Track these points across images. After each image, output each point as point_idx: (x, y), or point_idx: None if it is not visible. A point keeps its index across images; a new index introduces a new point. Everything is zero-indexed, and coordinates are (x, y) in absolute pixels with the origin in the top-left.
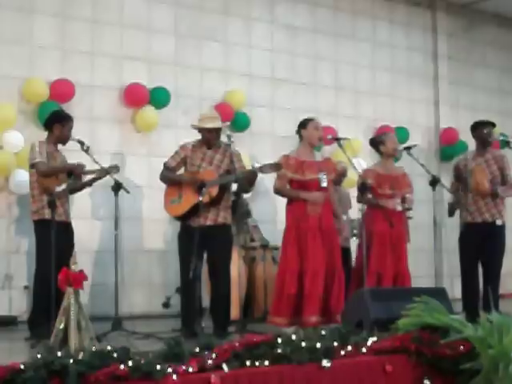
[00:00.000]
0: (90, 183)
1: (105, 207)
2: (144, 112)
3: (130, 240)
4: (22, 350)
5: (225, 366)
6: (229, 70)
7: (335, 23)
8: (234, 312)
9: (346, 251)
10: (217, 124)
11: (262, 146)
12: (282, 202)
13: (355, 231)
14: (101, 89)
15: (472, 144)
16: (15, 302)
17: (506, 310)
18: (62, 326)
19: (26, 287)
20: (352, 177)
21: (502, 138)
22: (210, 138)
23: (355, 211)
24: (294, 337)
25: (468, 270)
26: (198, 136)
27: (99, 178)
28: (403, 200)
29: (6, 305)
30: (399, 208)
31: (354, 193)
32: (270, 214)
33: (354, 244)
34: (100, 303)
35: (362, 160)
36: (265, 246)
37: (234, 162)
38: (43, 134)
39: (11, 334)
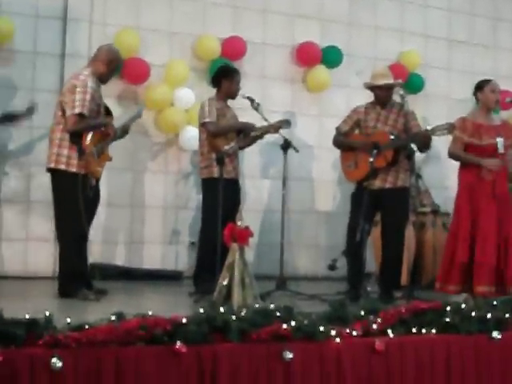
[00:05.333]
0: (258, 137)
1: (274, 166)
2: (316, 71)
3: (297, 200)
4: (186, 305)
5: (390, 332)
6: (404, 30)
7: None
8: (403, 278)
9: None
10: (389, 80)
11: (436, 108)
12: (453, 167)
13: None
14: (272, 47)
15: None
16: (181, 257)
17: None
18: (225, 282)
19: (192, 243)
20: None
21: None
22: (382, 96)
23: None
24: (463, 306)
25: None
26: (371, 97)
27: (269, 132)
28: None
29: (172, 260)
30: None
31: None
32: (440, 179)
33: None
34: (265, 262)
35: None
36: (435, 211)
37: (409, 120)
38: (214, 92)
39: (176, 289)
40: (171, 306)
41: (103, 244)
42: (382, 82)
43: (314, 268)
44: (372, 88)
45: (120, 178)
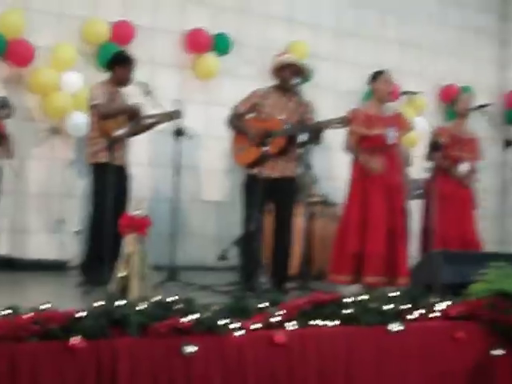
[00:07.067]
0: (151, 127)
1: (163, 154)
2: (205, 58)
3: (186, 190)
4: (75, 296)
5: (291, 324)
6: (293, 20)
7: None
8: (293, 268)
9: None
10: (297, 60)
11: (324, 99)
12: (342, 157)
13: (419, 191)
14: (162, 32)
15: None
16: (67, 246)
17: None
18: (123, 274)
19: (78, 232)
20: (413, 135)
21: None
22: (287, 79)
23: (417, 170)
24: (362, 297)
25: None
26: (260, 86)
27: (161, 122)
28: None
29: (57, 249)
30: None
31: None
32: (329, 169)
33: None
34: (154, 252)
35: (425, 119)
36: (324, 202)
37: (306, 112)
38: (102, 76)
39: (62, 279)
40: (59, 298)
41: None
42: (292, 59)
43: (204, 258)
44: (278, 70)
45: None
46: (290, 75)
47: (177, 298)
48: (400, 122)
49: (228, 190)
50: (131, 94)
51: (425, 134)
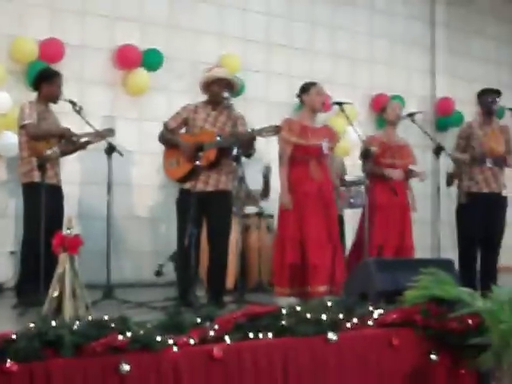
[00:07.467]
0: (83, 146)
1: (95, 172)
2: (135, 74)
3: (119, 207)
4: (10, 318)
5: (227, 338)
6: (223, 34)
7: None
8: (229, 282)
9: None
10: (227, 74)
11: (256, 111)
12: (276, 170)
13: (352, 200)
14: (92, 50)
15: (467, 114)
16: (1, 267)
17: (503, 283)
18: (56, 294)
19: (12, 252)
20: (346, 144)
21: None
22: (217, 92)
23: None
24: (298, 308)
25: (468, 241)
26: (192, 100)
27: (93, 141)
28: (408, 172)
29: None
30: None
31: (347, 161)
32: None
33: (347, 213)
34: (88, 271)
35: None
36: (259, 214)
37: (238, 125)
38: (32, 95)
39: None
40: None
41: None
42: (220, 73)
43: (140, 275)
44: (208, 85)
45: None
46: (219, 89)
47: (111, 316)
48: (330, 134)
49: (163, 206)
50: (62, 112)
51: (357, 144)
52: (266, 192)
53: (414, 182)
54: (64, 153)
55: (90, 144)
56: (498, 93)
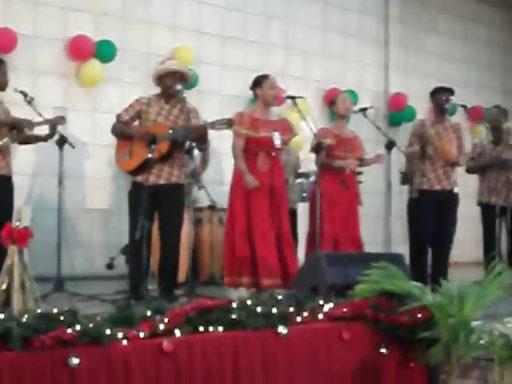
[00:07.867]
0: (44, 139)
1: (47, 163)
2: (89, 66)
3: (71, 198)
4: None
5: (177, 332)
6: (177, 26)
7: None
8: (181, 275)
9: (292, 213)
10: (180, 66)
11: (209, 104)
12: (228, 163)
13: (304, 194)
14: (44, 40)
15: (420, 110)
16: None
17: (454, 278)
18: (4, 287)
19: None
20: (299, 139)
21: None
22: (170, 85)
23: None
24: (249, 302)
25: (418, 236)
26: (145, 92)
27: (51, 134)
28: (361, 162)
29: None
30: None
31: (301, 155)
32: (216, 174)
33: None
34: (39, 263)
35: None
36: (212, 207)
37: (191, 118)
38: None
39: None
40: None
41: None
42: (174, 67)
43: (91, 267)
44: (161, 78)
45: None
46: (172, 82)
47: (60, 309)
48: (285, 127)
49: (115, 198)
50: (13, 103)
51: (310, 138)
52: (204, 162)
53: (364, 177)
54: (18, 143)
55: (51, 137)
56: (451, 91)
